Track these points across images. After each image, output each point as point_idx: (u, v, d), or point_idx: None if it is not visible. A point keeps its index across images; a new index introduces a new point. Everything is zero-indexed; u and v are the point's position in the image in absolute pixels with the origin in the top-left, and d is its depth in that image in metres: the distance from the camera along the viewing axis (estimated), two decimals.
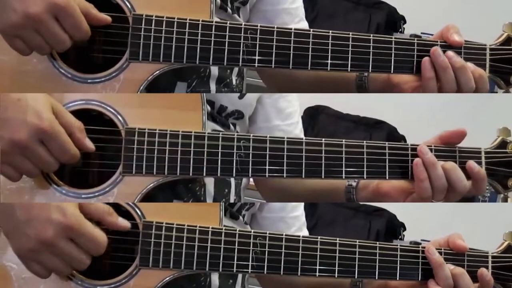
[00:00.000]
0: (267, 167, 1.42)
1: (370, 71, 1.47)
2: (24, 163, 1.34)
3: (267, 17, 1.62)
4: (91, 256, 1.36)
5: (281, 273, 1.42)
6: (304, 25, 1.68)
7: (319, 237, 1.44)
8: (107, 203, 1.39)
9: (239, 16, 1.58)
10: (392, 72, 1.48)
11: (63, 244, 1.33)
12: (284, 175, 1.42)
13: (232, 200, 1.56)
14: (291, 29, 1.44)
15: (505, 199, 2.72)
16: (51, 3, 1.33)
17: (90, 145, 1.39)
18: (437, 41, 1.49)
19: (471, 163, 1.46)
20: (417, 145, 1.47)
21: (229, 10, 1.54)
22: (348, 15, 3.43)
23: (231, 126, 1.57)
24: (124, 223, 1.38)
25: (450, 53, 1.47)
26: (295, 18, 1.66)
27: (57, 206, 1.34)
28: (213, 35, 1.42)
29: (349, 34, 1.46)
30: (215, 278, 1.50)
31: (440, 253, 1.45)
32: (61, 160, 1.36)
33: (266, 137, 1.43)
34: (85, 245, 1.35)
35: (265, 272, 1.41)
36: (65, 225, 1.33)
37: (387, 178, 1.46)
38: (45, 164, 1.35)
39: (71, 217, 1.33)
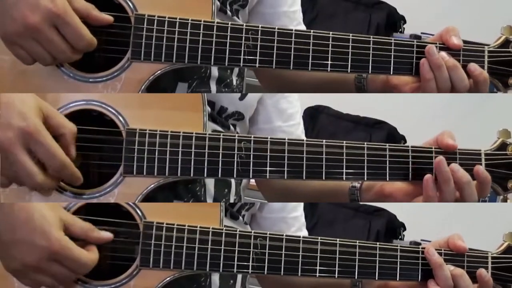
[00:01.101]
0: (268, 168, 1.42)
1: (369, 72, 1.47)
2: (11, 170, 1.33)
3: (266, 20, 1.62)
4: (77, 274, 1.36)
5: (282, 273, 1.42)
6: (302, 28, 1.68)
7: (319, 237, 1.44)
8: (108, 204, 1.40)
9: (238, 19, 1.58)
10: (391, 73, 1.48)
11: (48, 267, 1.33)
12: (285, 176, 1.43)
13: (232, 200, 1.56)
14: (291, 30, 1.45)
15: (504, 201, 2.72)
16: (49, 12, 1.32)
17: (73, 154, 1.36)
18: (436, 43, 1.49)
19: (479, 168, 1.46)
20: (418, 147, 1.47)
21: (228, 12, 1.55)
22: (348, 15, 3.43)
23: (231, 127, 1.57)
24: (107, 235, 1.38)
25: (443, 53, 1.48)
26: (294, 21, 1.66)
27: (41, 231, 1.32)
28: (214, 35, 1.42)
29: (349, 35, 1.46)
30: (215, 278, 1.50)
31: (440, 253, 1.46)
32: (47, 165, 1.33)
33: (267, 138, 1.43)
34: (71, 267, 1.34)
35: (265, 273, 1.41)
36: (49, 250, 1.32)
37: (387, 179, 1.46)
38: (28, 175, 1.32)
39: (55, 242, 1.32)
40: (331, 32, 1.46)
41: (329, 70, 1.45)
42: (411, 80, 1.51)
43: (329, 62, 1.45)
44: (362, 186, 1.57)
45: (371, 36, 1.47)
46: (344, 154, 1.44)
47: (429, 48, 1.47)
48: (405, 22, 3.41)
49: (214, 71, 1.52)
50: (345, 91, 1.62)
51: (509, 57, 1.50)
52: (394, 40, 1.47)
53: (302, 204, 1.72)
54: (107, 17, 1.39)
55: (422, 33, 3.04)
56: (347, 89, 1.61)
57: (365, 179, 1.45)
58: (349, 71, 1.46)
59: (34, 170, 1.32)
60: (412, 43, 1.48)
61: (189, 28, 1.41)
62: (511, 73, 1.51)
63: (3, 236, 1.33)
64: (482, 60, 1.50)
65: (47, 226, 1.32)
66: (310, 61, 1.45)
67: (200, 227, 1.40)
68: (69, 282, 1.37)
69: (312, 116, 3.45)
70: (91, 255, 1.36)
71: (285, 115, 1.66)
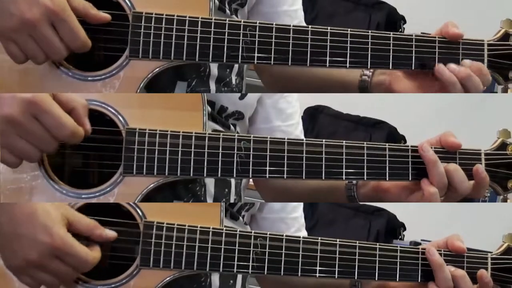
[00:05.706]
0: (267, 168, 1.42)
1: (369, 67, 1.47)
2: (20, 142, 1.33)
3: (267, 19, 1.62)
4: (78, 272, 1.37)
5: (282, 273, 1.42)
6: None
7: (319, 238, 1.44)
8: (108, 203, 1.40)
9: (237, 18, 1.58)
10: (390, 68, 1.48)
11: (49, 263, 1.33)
12: (285, 176, 1.43)
13: (232, 200, 1.56)
14: (289, 25, 1.45)
15: (504, 201, 2.73)
16: (48, 10, 1.33)
17: (88, 126, 1.37)
18: (435, 37, 1.49)
19: (479, 167, 1.46)
20: (418, 147, 1.47)
21: (227, 11, 1.54)
22: (348, 15, 3.42)
23: (231, 127, 1.57)
24: (111, 233, 1.39)
25: (452, 65, 1.48)
26: (295, 20, 1.66)
27: (43, 226, 1.33)
28: (212, 32, 1.42)
29: (347, 30, 1.46)
30: (215, 278, 1.50)
31: (440, 254, 1.46)
32: (56, 135, 1.34)
33: (267, 137, 1.43)
34: (72, 264, 1.35)
35: (265, 273, 1.41)
36: (51, 246, 1.33)
37: (387, 179, 1.46)
38: (43, 143, 1.34)
39: (57, 238, 1.33)
40: (329, 28, 1.45)
41: (327, 66, 1.45)
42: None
43: (328, 57, 1.45)
44: (359, 182, 1.56)
45: (370, 31, 1.47)
46: (344, 154, 1.44)
47: (438, 68, 1.47)
48: (405, 22, 3.41)
49: (214, 70, 1.52)
50: (349, 91, 1.62)
51: (509, 50, 1.50)
52: (393, 34, 1.47)
53: (301, 204, 1.71)
54: (104, 15, 1.40)
55: (422, 33, 3.04)
56: (350, 89, 1.61)
57: (365, 178, 1.45)
58: (347, 66, 1.46)
59: (47, 135, 1.33)
60: (411, 37, 1.48)
61: (187, 25, 1.41)
62: (511, 67, 1.51)
63: (5, 229, 1.34)
64: (482, 53, 1.50)
65: (50, 222, 1.33)
66: (308, 57, 1.44)
67: (201, 227, 1.40)
68: (69, 280, 1.37)
69: (312, 116, 3.45)
70: (93, 253, 1.36)
71: (284, 115, 1.66)
